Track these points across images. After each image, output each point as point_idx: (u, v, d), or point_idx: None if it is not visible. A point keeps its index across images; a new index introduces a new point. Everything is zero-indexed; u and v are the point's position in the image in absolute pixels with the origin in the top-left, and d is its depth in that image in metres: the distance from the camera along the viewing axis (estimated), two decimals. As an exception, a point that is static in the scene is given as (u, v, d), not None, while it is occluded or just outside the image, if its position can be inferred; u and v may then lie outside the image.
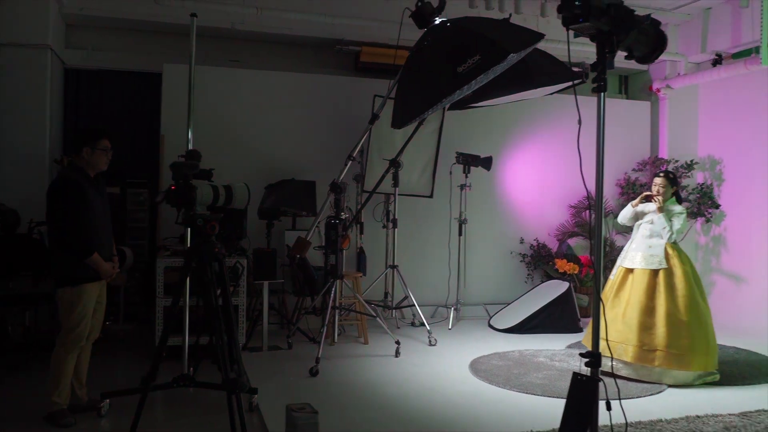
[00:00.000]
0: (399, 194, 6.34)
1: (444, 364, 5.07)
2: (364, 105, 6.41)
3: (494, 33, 4.02)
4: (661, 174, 4.93)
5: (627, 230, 5.30)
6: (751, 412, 3.88)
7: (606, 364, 4.68)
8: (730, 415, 3.84)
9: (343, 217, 5.29)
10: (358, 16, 6.47)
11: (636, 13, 2.27)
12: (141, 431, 3.38)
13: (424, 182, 6.81)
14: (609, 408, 2.36)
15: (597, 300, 2.30)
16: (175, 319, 3.21)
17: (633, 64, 7.79)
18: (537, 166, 7.44)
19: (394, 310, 6.54)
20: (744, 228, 7.04)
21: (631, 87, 8.35)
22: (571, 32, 2.13)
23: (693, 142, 7.68)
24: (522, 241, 7.40)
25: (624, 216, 5.03)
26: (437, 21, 4.34)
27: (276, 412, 3.66)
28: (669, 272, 4.65)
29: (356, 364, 5.02)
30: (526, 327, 6.30)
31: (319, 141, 6.66)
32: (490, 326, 6.54)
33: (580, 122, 2.29)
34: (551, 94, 5.26)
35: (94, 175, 3.67)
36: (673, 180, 4.90)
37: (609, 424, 2.53)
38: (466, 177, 6.66)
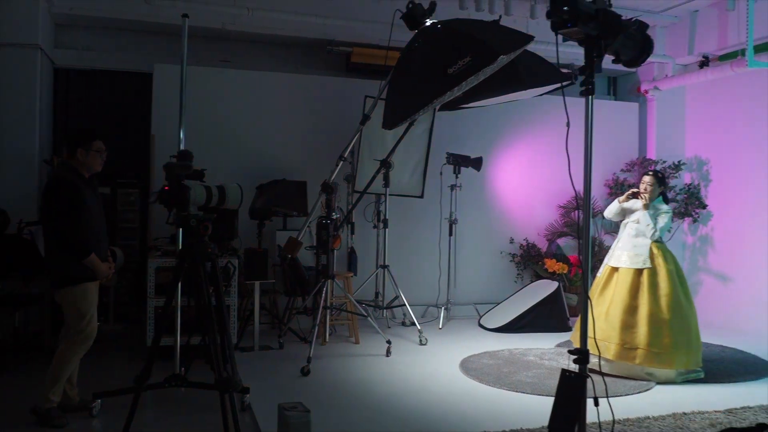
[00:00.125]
0: (390, 194, 6.36)
1: (435, 363, 5.10)
2: (355, 106, 6.43)
3: (484, 35, 4.05)
4: (650, 173, 5.01)
5: (615, 230, 5.37)
6: (736, 408, 3.94)
7: (593, 362, 4.78)
8: (716, 411, 3.90)
9: (334, 217, 5.32)
10: (349, 17, 6.49)
11: (625, 15, 2.32)
12: (134, 431, 3.40)
13: (414, 183, 6.84)
14: (597, 404, 2.40)
15: (585, 298, 2.34)
16: (168, 319, 3.22)
17: (622, 66, 7.89)
18: (526, 167, 7.49)
19: (385, 310, 6.57)
20: (731, 228, 7.12)
21: (619, 88, 8.42)
22: (560, 36, 2.17)
23: (680, 142, 7.76)
24: (512, 241, 7.45)
25: (610, 211, 5.11)
26: (428, 23, 4.37)
27: (268, 412, 3.68)
28: (653, 272, 4.72)
29: (347, 363, 5.04)
30: (515, 326, 6.35)
31: (310, 141, 6.68)
32: (481, 326, 6.58)
33: (568, 124, 2.33)
34: (541, 95, 5.30)
35: (88, 176, 3.68)
36: (661, 180, 4.97)
37: (597, 420, 2.57)
38: (457, 177, 6.70)
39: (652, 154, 7.72)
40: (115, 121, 6.65)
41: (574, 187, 2.44)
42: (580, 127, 2.50)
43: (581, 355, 2.30)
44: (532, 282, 7.14)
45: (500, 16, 4.80)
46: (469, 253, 7.19)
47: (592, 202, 7.27)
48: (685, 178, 7.61)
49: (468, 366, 4.96)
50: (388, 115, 4.38)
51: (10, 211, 5.20)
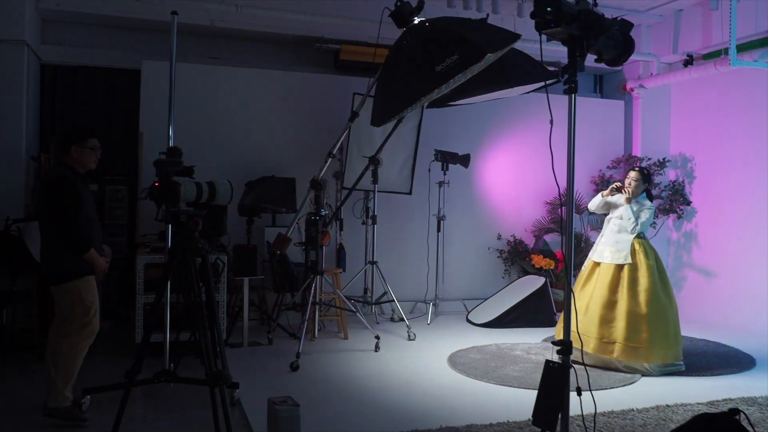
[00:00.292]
0: (378, 191, 6.40)
1: (423, 358, 5.15)
2: (343, 103, 6.46)
3: (472, 33, 4.09)
4: (636, 168, 5.10)
5: (601, 226, 5.46)
6: (718, 401, 4.02)
7: (577, 354, 4.87)
8: (698, 404, 3.98)
9: (323, 213, 5.34)
10: (338, 14, 6.51)
11: (610, 14, 2.37)
12: (124, 427, 3.42)
13: (403, 179, 6.88)
14: (579, 394, 2.46)
15: (567, 291, 2.39)
16: (158, 315, 3.24)
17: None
18: (514, 164, 7.56)
19: (373, 306, 6.61)
20: (714, 224, 7.23)
21: (605, 86, 8.51)
22: (545, 36, 2.22)
23: (665, 140, 7.86)
24: (499, 237, 7.51)
25: (594, 204, 5.20)
26: (416, 21, 4.40)
27: (257, 407, 3.71)
28: (634, 267, 4.81)
29: (336, 358, 5.08)
30: (503, 321, 6.41)
31: (299, 138, 6.70)
32: (468, 321, 6.64)
33: (551, 122, 2.38)
34: (528, 93, 5.36)
35: (83, 174, 3.70)
36: (646, 177, 5.05)
37: (581, 410, 2.62)
38: (445, 174, 6.74)
39: (637, 151, 7.81)
40: (102, 117, 6.63)
41: (557, 183, 2.50)
42: (563, 125, 2.55)
43: (564, 346, 2.35)
44: (519, 278, 7.21)
45: (488, 15, 4.84)
46: (457, 250, 7.24)
47: (578, 199, 7.44)
48: (670, 174, 7.71)
49: (456, 360, 5.01)
50: (376, 112, 4.41)
51: (-2, 208, 5.19)
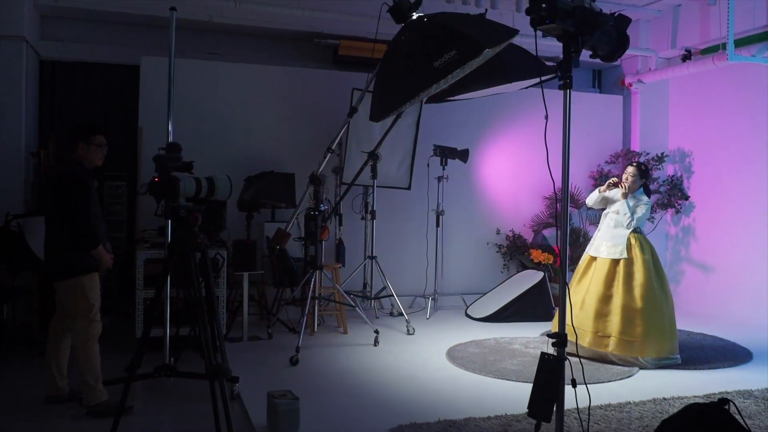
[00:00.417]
0: (377, 186, 6.42)
1: (422, 352, 5.17)
2: (342, 98, 6.47)
3: (470, 29, 4.10)
4: (634, 164, 5.13)
5: (599, 221, 5.50)
6: (714, 393, 4.05)
7: (572, 348, 4.92)
8: (694, 396, 4.01)
9: (322, 208, 5.36)
10: (337, 9, 6.52)
11: (608, 9, 2.38)
12: (125, 421, 3.45)
13: (402, 174, 6.90)
14: (574, 386, 2.49)
15: (563, 285, 2.42)
16: (158, 310, 3.27)
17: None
18: (513, 159, 7.57)
19: (373, 301, 6.63)
20: (712, 219, 7.25)
21: (604, 81, 8.51)
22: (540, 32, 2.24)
23: (664, 135, 7.88)
24: (498, 232, 7.53)
25: (591, 199, 5.25)
26: (414, 16, 4.41)
27: (257, 400, 3.73)
28: (629, 262, 4.84)
29: (336, 353, 5.10)
30: (502, 316, 6.44)
31: (298, 134, 6.71)
32: (467, 315, 6.67)
33: (546, 117, 2.40)
34: (526, 88, 5.37)
35: (89, 170, 3.74)
36: (643, 172, 5.07)
37: (576, 403, 2.65)
38: (444, 169, 6.76)
39: (636, 146, 7.82)
40: (102, 113, 6.64)
41: (552, 178, 2.52)
42: (558, 121, 2.57)
43: (560, 338, 2.38)
44: (518, 272, 7.23)
45: (486, 10, 4.84)
46: (456, 244, 7.27)
47: (576, 194, 7.46)
48: (668, 169, 7.73)
49: (454, 354, 5.04)
50: (375, 107, 4.43)
51: (-3, 204, 5.20)
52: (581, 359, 4.57)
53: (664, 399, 3.96)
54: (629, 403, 3.87)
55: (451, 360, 4.90)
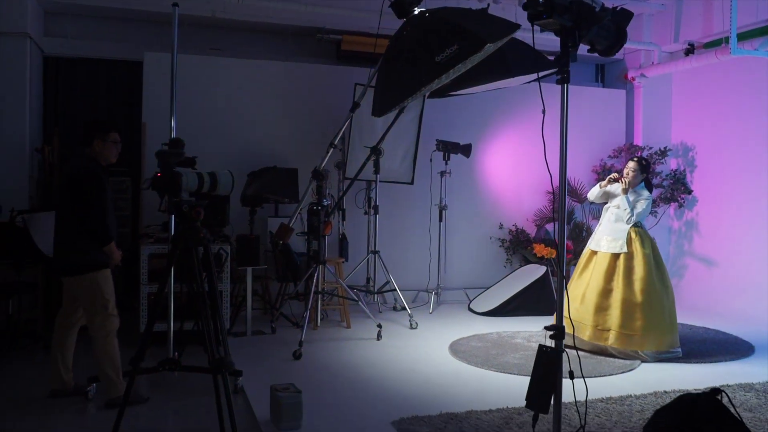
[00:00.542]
0: (380, 181, 6.43)
1: (424, 346, 5.20)
2: (345, 93, 6.48)
3: (472, 23, 4.11)
4: (635, 159, 5.13)
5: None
6: (715, 387, 4.05)
7: (572, 341, 4.95)
8: (695, 390, 4.01)
9: (325, 203, 5.39)
10: (339, 5, 6.53)
11: (611, 3, 2.39)
12: (129, 414, 3.48)
13: (404, 169, 6.91)
14: (572, 378, 2.51)
15: (561, 278, 2.44)
16: (162, 304, 3.30)
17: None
18: (516, 153, 7.57)
19: (376, 295, 6.66)
20: (715, 213, 7.25)
21: (607, 76, 8.50)
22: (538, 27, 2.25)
23: (667, 129, 7.87)
24: (501, 227, 7.54)
25: (592, 193, 5.27)
26: (416, 11, 4.41)
27: (260, 394, 3.77)
28: (629, 256, 4.86)
29: (339, 347, 5.13)
30: (504, 310, 6.46)
31: (301, 129, 6.73)
32: (470, 310, 6.69)
33: (544, 112, 2.42)
34: (529, 82, 5.37)
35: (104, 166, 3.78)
36: (644, 167, 5.08)
37: (573, 395, 2.67)
38: (446, 164, 6.77)
39: (638, 140, 7.81)
40: (105, 109, 6.67)
41: (549, 172, 2.54)
42: (558, 117, 2.59)
43: (557, 331, 2.40)
44: (520, 267, 7.25)
45: (488, 5, 4.86)
46: (458, 239, 7.29)
47: (579, 188, 7.46)
48: (671, 164, 7.72)
49: (457, 348, 5.06)
50: (377, 102, 4.44)
51: (2, 200, 5.24)
52: (578, 351, 4.62)
53: (665, 392, 3.97)
54: (630, 396, 3.89)
55: (454, 354, 4.92)
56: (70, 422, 3.54)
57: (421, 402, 3.79)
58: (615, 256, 4.91)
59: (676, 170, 7.60)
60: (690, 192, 7.46)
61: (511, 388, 4.07)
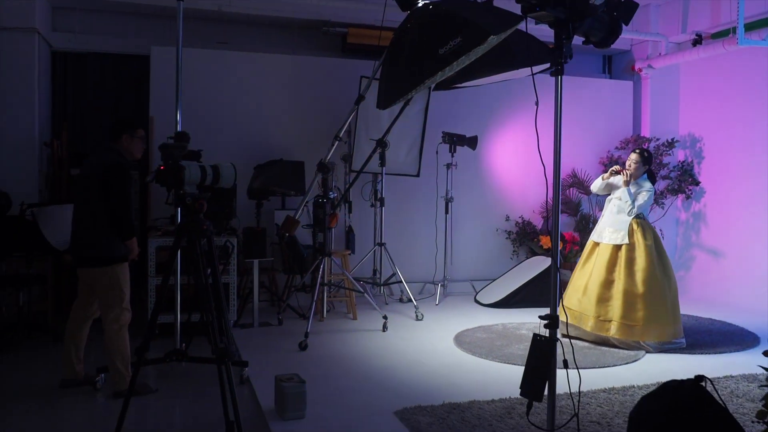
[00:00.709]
0: (386, 173, 6.45)
1: (430, 337, 5.23)
2: (351, 86, 6.49)
3: (475, 15, 4.10)
4: (637, 151, 5.13)
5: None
6: (719, 378, 4.07)
7: (575, 333, 4.94)
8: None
9: (331, 196, 5.42)
10: (345, -2, 6.54)
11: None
12: (137, 403, 3.54)
13: (410, 161, 6.93)
14: (566, 366, 2.54)
15: (554, 270, 2.46)
16: (166, 295, 3.34)
17: (617, 44, 7.91)
18: (522, 145, 7.56)
19: (382, 287, 6.69)
20: (723, 204, 7.22)
21: (614, 67, 8.46)
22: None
23: (674, 120, 7.83)
24: (507, 219, 7.55)
25: (595, 185, 5.29)
26: (420, 3, 4.41)
27: (266, 384, 3.80)
28: (631, 247, 4.88)
29: (344, 338, 5.17)
30: (511, 301, 6.47)
31: (308, 122, 6.76)
32: (476, 301, 6.71)
33: (537, 103, 2.43)
34: (534, 74, 5.36)
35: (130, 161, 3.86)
36: (647, 159, 5.08)
37: (569, 384, 2.69)
38: (452, 156, 6.78)
39: (646, 131, 7.78)
40: (113, 103, 6.72)
41: (543, 164, 2.56)
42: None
43: (551, 320, 2.43)
44: (527, 258, 7.25)
45: (491, -4, 4.84)
46: (465, 231, 7.30)
47: (585, 180, 7.45)
48: (679, 155, 7.69)
49: (462, 340, 5.09)
50: (381, 95, 4.45)
51: (12, 194, 5.31)
52: (580, 341, 4.68)
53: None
54: (633, 386, 3.90)
55: (459, 345, 4.95)
56: (79, 412, 3.61)
57: (424, 392, 3.83)
58: (617, 248, 4.92)
59: (683, 162, 7.57)
60: (697, 183, 7.44)
61: (515, 378, 4.03)
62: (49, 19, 6.41)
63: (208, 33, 6.86)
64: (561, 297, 5.26)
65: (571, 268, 7.26)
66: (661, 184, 7.52)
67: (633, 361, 4.52)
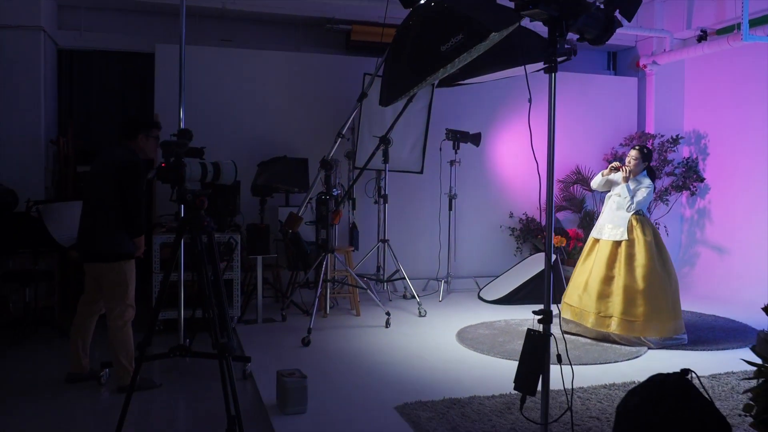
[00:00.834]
0: (390, 170, 6.47)
1: (432, 333, 5.25)
2: (355, 83, 6.51)
3: (477, 12, 4.11)
4: (636, 147, 5.13)
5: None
6: (720, 374, 4.07)
7: (572, 328, 4.93)
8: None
9: (335, 193, 5.44)
10: (348, -5, 6.55)
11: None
12: (140, 397, 3.58)
13: (414, 158, 6.94)
14: (559, 361, 2.56)
15: (548, 266, 2.48)
16: (167, 290, 3.37)
17: (621, 40, 7.89)
18: (525, 142, 7.53)
19: (386, 284, 6.71)
20: (727, 201, 7.20)
21: (619, 63, 8.44)
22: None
23: (679, 116, 7.81)
24: (511, 215, 7.55)
25: (595, 182, 5.30)
26: (422, 0, 4.43)
27: (268, 380, 3.83)
28: (630, 243, 4.89)
29: (347, 334, 5.20)
30: (514, 298, 6.48)
31: (311, 119, 6.78)
32: (480, 298, 6.72)
33: (530, 100, 2.44)
34: (538, 71, 5.35)
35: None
36: (646, 155, 5.08)
37: (562, 378, 2.70)
38: (456, 153, 6.80)
39: (650, 128, 7.77)
40: (119, 101, 6.77)
41: (536, 160, 2.57)
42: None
43: (545, 315, 2.45)
44: (530, 255, 7.26)
45: (494, -8, 4.84)
46: (468, 228, 7.32)
47: (590, 176, 7.44)
48: (683, 151, 7.67)
49: (464, 336, 5.11)
50: (384, 92, 4.48)
51: (18, 191, 5.35)
52: (573, 336, 4.67)
53: (670, 379, 3.98)
54: (633, 382, 3.89)
55: (461, 341, 4.97)
56: (84, 406, 3.65)
57: (425, 387, 3.85)
58: (617, 244, 4.93)
59: (688, 158, 7.55)
60: (702, 180, 7.42)
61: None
62: (55, 18, 6.45)
63: (212, 30, 6.89)
64: (564, 296, 5.30)
65: (575, 265, 7.30)
66: (666, 181, 7.51)
67: (634, 358, 4.53)
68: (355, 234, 6.61)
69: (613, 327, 4.80)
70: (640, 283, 4.78)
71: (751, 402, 2.30)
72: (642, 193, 4.96)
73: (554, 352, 2.54)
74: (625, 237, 4.89)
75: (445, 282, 6.84)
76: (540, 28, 4.59)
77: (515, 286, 6.57)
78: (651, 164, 5.19)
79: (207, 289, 2.96)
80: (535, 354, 2.40)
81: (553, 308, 2.52)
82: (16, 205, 5.30)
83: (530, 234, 7.46)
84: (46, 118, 6.07)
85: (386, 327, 5.39)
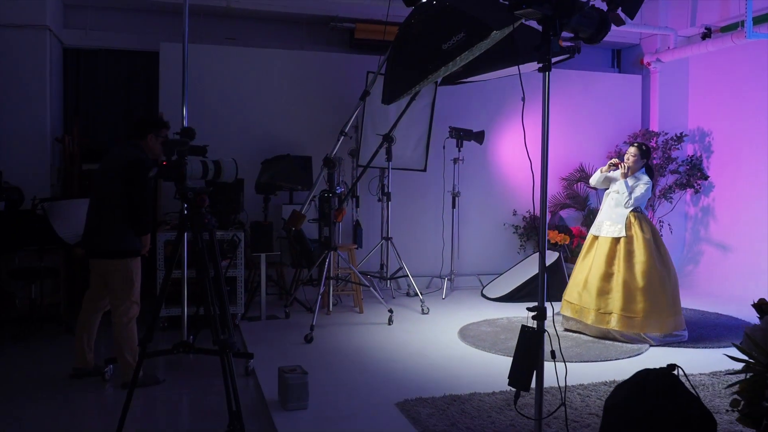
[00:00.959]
0: (393, 168, 6.48)
1: (434, 331, 5.27)
2: (358, 81, 6.53)
3: (479, 11, 4.12)
4: (635, 144, 5.15)
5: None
6: (720, 371, 4.08)
7: (573, 325, 4.95)
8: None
9: (338, 191, 5.47)
10: (352, -7, 6.57)
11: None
12: (142, 392, 3.62)
13: (417, 156, 6.95)
14: (553, 357, 2.58)
15: (542, 264, 2.50)
16: (168, 287, 3.40)
17: (625, 38, 7.88)
18: (529, 140, 7.54)
19: (390, 281, 6.74)
20: (731, 199, 7.19)
21: (623, 61, 8.42)
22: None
23: (683, 114, 7.80)
24: (515, 213, 7.56)
25: (594, 179, 5.32)
26: (424, -1, 4.44)
27: (270, 376, 3.87)
28: (629, 240, 4.90)
29: (350, 331, 5.23)
30: (517, 295, 6.49)
31: (315, 117, 6.81)
32: (483, 295, 6.74)
33: (523, 99, 2.46)
34: (537, 70, 5.36)
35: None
36: (645, 152, 5.09)
37: (556, 375, 2.72)
38: (459, 151, 6.80)
39: (654, 126, 7.75)
40: (124, 99, 6.81)
41: (529, 158, 2.59)
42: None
43: (539, 311, 2.47)
44: (534, 253, 7.26)
45: (496, -9, 4.84)
46: (472, 226, 7.33)
47: (594, 174, 7.43)
48: (688, 149, 7.66)
49: (466, 333, 5.13)
50: (386, 90, 4.49)
51: (24, 188, 5.40)
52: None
53: (670, 376, 3.99)
54: (634, 380, 3.92)
55: (463, 338, 4.99)
56: (88, 401, 3.70)
57: (426, 384, 3.87)
58: (615, 241, 4.94)
59: (692, 156, 7.54)
60: (706, 178, 7.41)
61: (517, 371, 4.12)
62: (61, 17, 6.50)
63: (216, 29, 6.92)
64: (565, 294, 5.31)
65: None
66: (670, 179, 7.50)
67: (635, 355, 4.54)
68: (359, 232, 6.63)
69: (613, 323, 4.81)
70: (639, 280, 4.80)
71: (738, 398, 2.32)
72: (640, 190, 4.96)
73: (549, 349, 2.56)
74: (623, 234, 4.90)
75: (448, 279, 6.85)
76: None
77: (518, 284, 6.58)
78: (654, 162, 5.20)
79: (208, 286, 2.99)
80: (529, 350, 2.43)
81: (548, 306, 2.54)
82: (21, 203, 5.34)
83: (534, 232, 7.47)
84: (51, 117, 6.12)
85: (389, 324, 5.41)
